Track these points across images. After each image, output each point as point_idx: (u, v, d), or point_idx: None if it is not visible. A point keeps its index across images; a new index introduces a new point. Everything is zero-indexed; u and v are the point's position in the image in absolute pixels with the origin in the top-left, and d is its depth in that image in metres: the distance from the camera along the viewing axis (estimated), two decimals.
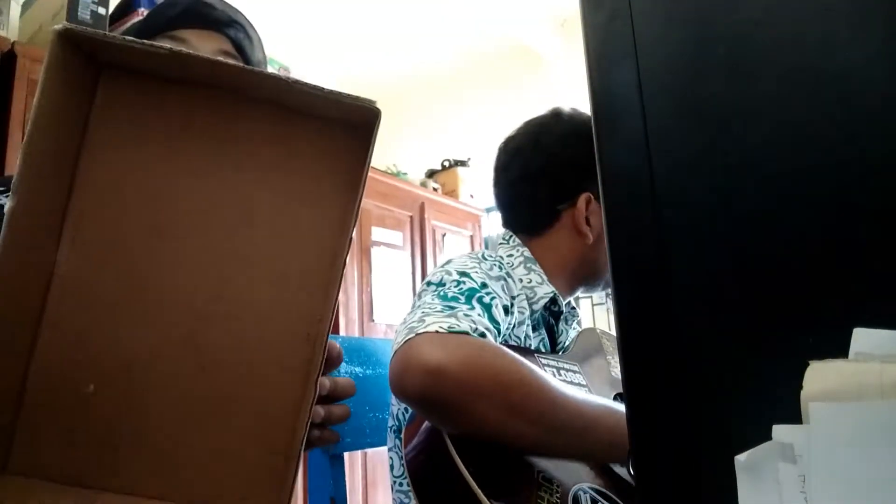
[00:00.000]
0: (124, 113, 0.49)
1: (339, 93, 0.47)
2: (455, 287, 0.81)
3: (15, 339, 0.46)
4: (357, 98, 0.46)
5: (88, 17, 1.66)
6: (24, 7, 1.84)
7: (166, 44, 0.76)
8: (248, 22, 0.81)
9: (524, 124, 1.05)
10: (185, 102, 0.49)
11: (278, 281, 0.50)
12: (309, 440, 0.55)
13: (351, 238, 0.49)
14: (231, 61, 0.49)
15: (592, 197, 0.97)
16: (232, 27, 0.79)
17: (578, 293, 1.05)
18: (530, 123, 1.04)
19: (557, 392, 0.70)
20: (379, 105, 0.47)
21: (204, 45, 0.76)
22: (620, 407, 0.76)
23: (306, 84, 0.47)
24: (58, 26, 0.43)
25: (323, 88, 0.47)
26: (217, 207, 0.50)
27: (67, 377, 0.47)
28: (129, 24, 1.79)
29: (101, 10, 1.69)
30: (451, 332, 0.69)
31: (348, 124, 0.49)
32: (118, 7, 1.81)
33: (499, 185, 1.05)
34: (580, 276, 1.01)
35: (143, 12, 1.78)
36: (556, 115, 1.02)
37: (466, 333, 0.70)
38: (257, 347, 0.49)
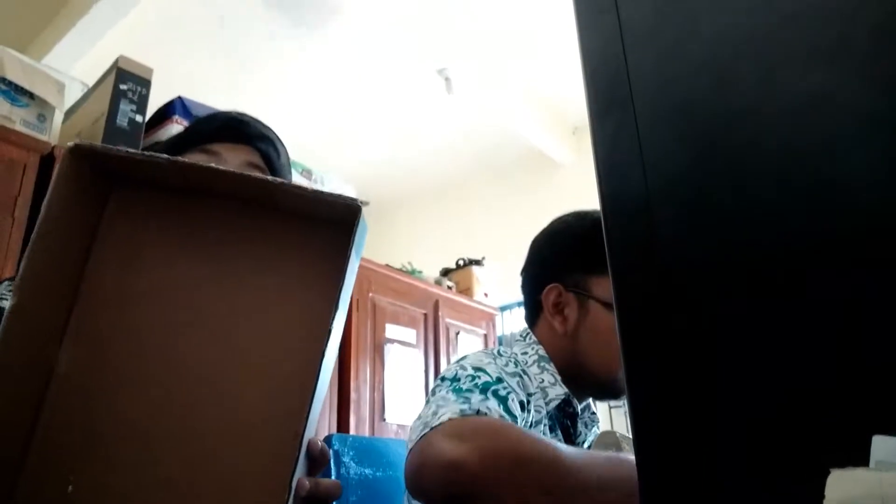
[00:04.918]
0: (130, 222, 0.52)
1: (322, 192, 0.49)
2: (470, 381, 0.81)
3: (8, 447, 0.46)
4: (339, 196, 0.49)
5: (126, 124, 1.76)
6: (68, 114, 1.97)
7: (199, 157, 0.81)
8: (277, 136, 0.90)
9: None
10: (185, 210, 0.53)
11: (262, 378, 0.51)
12: None
13: (330, 331, 0.48)
14: (223, 167, 0.53)
15: (562, 288, 0.98)
16: (262, 141, 0.86)
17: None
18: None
19: (570, 458, 0.70)
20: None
21: (233, 156, 0.82)
22: (622, 456, 0.75)
23: (293, 185, 0.50)
24: (70, 143, 0.47)
25: (307, 189, 0.50)
26: (209, 308, 0.52)
27: (57, 479, 0.47)
28: (163, 130, 1.89)
29: (139, 118, 1.79)
30: (463, 416, 0.68)
31: (333, 221, 0.51)
32: (155, 114, 1.92)
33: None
34: (569, 373, 0.97)
35: (177, 119, 1.88)
36: (574, 214, 1.05)
37: (478, 413, 0.69)
38: (245, 448, 0.50)
